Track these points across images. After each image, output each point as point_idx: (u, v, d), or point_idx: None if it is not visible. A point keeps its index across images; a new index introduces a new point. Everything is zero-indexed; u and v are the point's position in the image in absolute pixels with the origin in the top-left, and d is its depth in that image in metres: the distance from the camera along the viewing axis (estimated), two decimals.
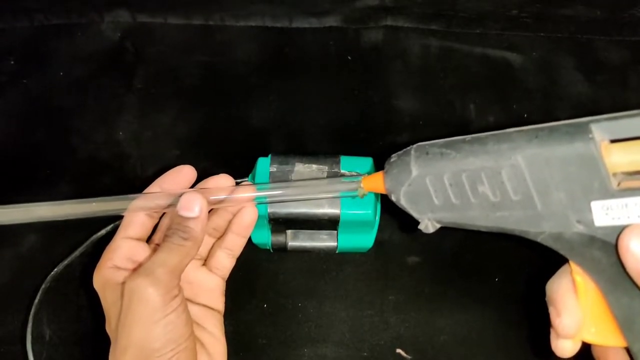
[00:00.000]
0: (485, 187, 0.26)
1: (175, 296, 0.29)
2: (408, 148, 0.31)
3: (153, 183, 0.34)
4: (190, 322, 0.30)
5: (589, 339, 0.27)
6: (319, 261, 0.44)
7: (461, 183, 0.27)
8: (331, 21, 0.53)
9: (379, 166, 0.48)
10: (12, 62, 0.52)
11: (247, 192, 0.34)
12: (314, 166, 0.38)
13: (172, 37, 0.54)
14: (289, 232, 0.41)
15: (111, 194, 0.46)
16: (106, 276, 0.31)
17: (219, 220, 0.36)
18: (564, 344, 0.27)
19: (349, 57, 0.53)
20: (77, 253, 0.42)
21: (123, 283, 0.29)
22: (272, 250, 0.42)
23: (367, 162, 0.40)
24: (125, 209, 0.32)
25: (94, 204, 0.33)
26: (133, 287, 0.28)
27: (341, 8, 0.52)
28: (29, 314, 0.40)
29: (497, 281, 0.44)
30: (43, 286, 0.41)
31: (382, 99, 0.51)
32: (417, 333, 0.42)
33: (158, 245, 0.34)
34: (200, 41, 0.54)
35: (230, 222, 0.36)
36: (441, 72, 0.53)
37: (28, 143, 0.49)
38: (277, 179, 0.38)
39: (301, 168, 0.38)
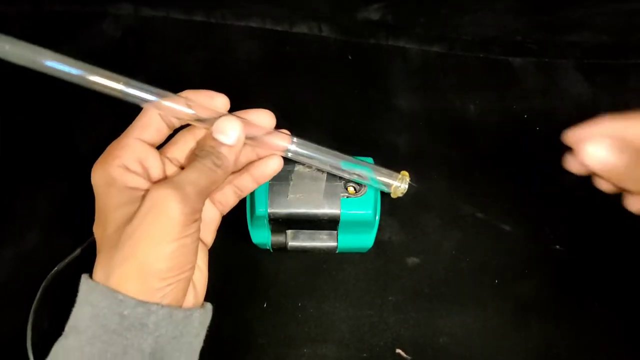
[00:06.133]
0: None
1: (196, 220, 0.26)
2: None
3: (179, 94, 0.30)
4: (197, 253, 0.28)
5: None
6: (319, 261, 0.44)
7: None
8: (330, 32, 0.53)
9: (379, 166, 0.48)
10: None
11: (284, 140, 0.31)
12: (314, 166, 0.38)
13: (174, 35, 0.54)
14: (289, 232, 0.41)
15: None
16: (113, 174, 0.27)
17: (242, 157, 0.33)
18: None
19: (350, 57, 0.53)
20: (77, 252, 0.42)
21: (133, 188, 0.27)
22: (272, 250, 0.42)
23: (367, 162, 0.40)
24: (153, 101, 0.29)
25: (121, 83, 0.28)
26: (158, 198, 0.25)
27: (341, 17, 0.52)
28: (29, 313, 0.40)
29: (497, 283, 0.44)
30: (43, 284, 0.41)
31: (382, 99, 0.51)
32: (417, 333, 0.42)
33: (169, 158, 0.31)
34: (201, 39, 0.54)
35: (251, 162, 0.33)
36: (441, 72, 0.53)
37: (28, 142, 0.49)
38: (277, 179, 0.38)
39: (301, 168, 0.38)
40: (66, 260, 0.42)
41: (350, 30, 0.53)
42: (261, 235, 0.41)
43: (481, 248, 0.45)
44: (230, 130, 0.28)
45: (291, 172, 0.38)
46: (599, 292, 0.44)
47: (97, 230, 0.28)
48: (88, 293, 0.25)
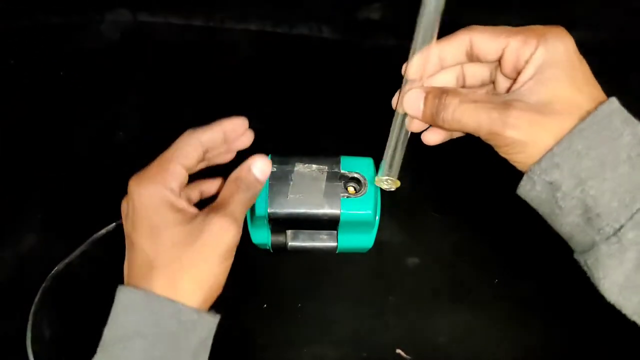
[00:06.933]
0: None
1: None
2: None
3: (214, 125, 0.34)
4: None
5: None
6: (319, 261, 0.44)
7: None
8: (330, 33, 0.53)
9: (378, 166, 0.48)
10: (12, 62, 0.52)
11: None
12: (314, 166, 0.38)
13: (173, 39, 0.54)
14: (289, 232, 0.41)
15: (111, 193, 0.46)
16: (167, 197, 0.30)
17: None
18: None
19: (349, 58, 0.53)
20: (77, 253, 0.42)
21: (182, 210, 0.30)
22: (272, 250, 0.42)
23: (367, 162, 0.40)
24: (195, 131, 0.33)
25: None
26: (223, 227, 0.30)
27: (342, 18, 0.52)
28: (29, 314, 0.40)
29: (497, 282, 0.44)
30: (43, 285, 0.41)
31: (382, 99, 0.51)
32: (417, 333, 0.42)
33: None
34: (201, 42, 0.54)
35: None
36: None
37: (28, 143, 0.49)
38: (277, 179, 0.38)
39: (301, 168, 0.38)
40: (66, 261, 0.42)
41: (351, 31, 0.53)
42: (261, 235, 0.41)
43: (481, 248, 0.45)
44: (265, 168, 0.33)
45: (291, 172, 0.38)
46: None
47: (146, 242, 0.31)
48: (149, 302, 0.29)
